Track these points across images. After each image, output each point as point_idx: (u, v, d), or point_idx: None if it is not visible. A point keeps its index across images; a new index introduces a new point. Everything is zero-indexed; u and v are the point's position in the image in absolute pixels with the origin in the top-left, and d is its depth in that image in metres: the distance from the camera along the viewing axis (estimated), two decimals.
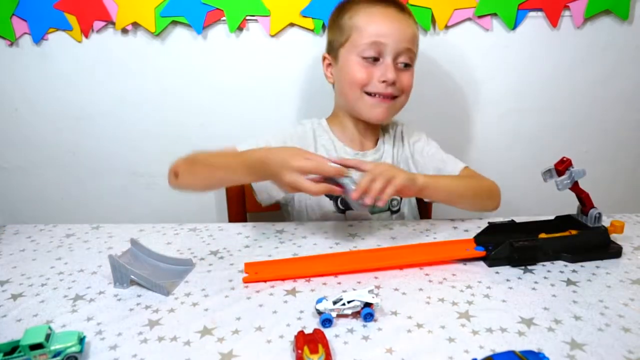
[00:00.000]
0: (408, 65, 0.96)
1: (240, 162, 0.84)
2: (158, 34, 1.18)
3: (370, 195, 0.76)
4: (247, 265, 0.77)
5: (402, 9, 0.97)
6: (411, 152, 1.05)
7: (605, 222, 0.81)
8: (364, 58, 0.93)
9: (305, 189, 0.75)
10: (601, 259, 0.78)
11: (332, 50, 0.99)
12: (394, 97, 0.95)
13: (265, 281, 0.73)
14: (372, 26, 0.92)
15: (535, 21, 1.18)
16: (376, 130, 1.05)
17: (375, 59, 0.93)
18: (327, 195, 0.95)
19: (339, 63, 0.97)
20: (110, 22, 1.17)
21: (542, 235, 0.79)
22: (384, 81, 0.92)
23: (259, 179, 0.88)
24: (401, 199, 1.03)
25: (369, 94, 0.95)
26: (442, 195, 0.92)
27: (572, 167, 0.78)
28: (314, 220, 1.00)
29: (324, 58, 1.01)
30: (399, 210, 1.04)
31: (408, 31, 0.94)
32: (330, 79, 1.02)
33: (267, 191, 0.98)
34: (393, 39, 0.92)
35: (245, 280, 0.73)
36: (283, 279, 0.73)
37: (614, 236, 0.81)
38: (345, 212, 1.00)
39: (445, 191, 0.91)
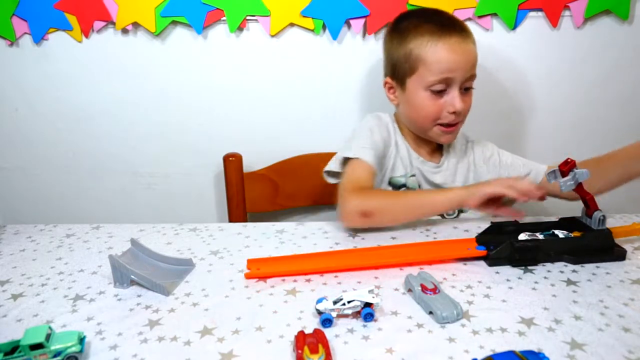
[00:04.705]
0: (469, 88, 0.97)
1: (447, 199, 0.88)
2: (158, 34, 1.17)
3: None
4: (249, 261, 0.77)
5: (464, 31, 0.95)
6: (488, 169, 1.07)
7: (613, 223, 0.81)
8: (433, 92, 0.94)
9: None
10: (605, 261, 0.77)
11: (397, 77, 0.99)
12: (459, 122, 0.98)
13: (266, 277, 0.73)
14: (440, 63, 0.92)
15: (535, 21, 1.18)
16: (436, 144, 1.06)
17: (443, 90, 0.94)
18: None
19: (406, 92, 0.98)
20: (110, 22, 1.17)
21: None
22: (453, 112, 0.94)
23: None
24: None
25: (439, 124, 0.97)
26: None
27: (576, 169, 0.77)
28: None
29: (386, 82, 1.02)
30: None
31: (471, 58, 0.95)
32: (395, 102, 1.02)
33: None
34: (460, 72, 0.93)
35: (247, 276, 0.73)
36: (285, 275, 0.74)
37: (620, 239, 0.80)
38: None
39: None
